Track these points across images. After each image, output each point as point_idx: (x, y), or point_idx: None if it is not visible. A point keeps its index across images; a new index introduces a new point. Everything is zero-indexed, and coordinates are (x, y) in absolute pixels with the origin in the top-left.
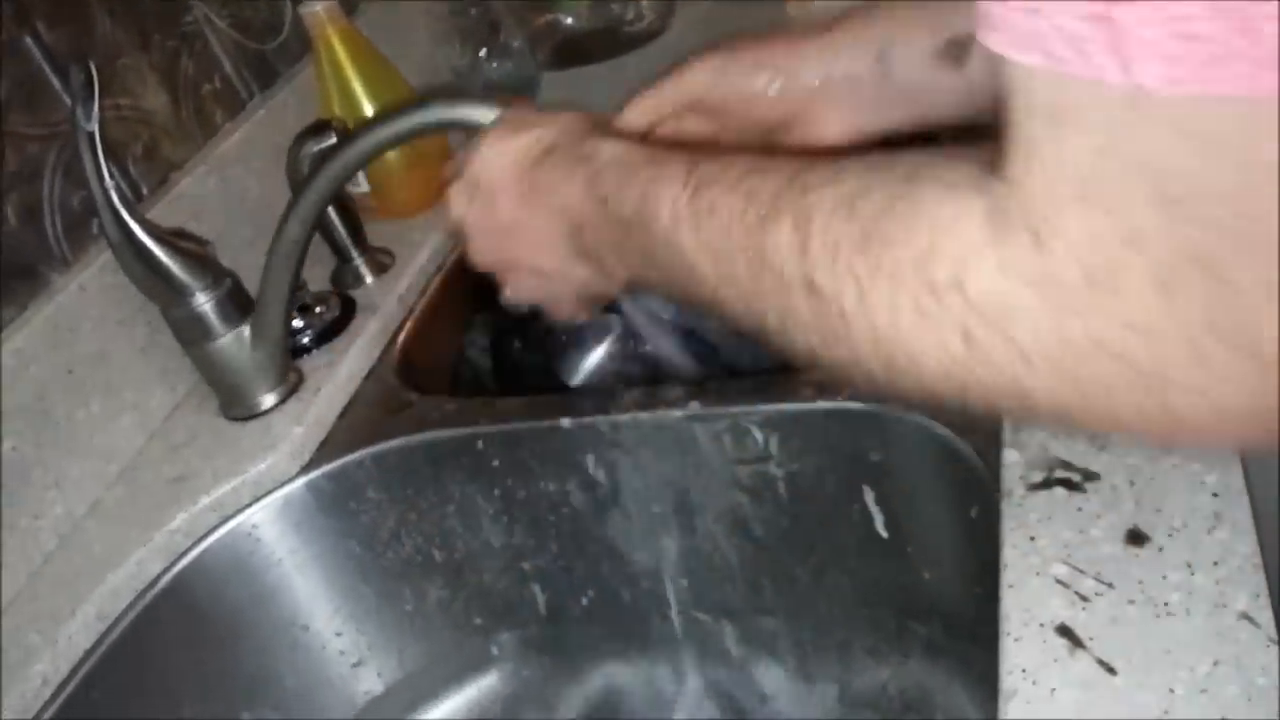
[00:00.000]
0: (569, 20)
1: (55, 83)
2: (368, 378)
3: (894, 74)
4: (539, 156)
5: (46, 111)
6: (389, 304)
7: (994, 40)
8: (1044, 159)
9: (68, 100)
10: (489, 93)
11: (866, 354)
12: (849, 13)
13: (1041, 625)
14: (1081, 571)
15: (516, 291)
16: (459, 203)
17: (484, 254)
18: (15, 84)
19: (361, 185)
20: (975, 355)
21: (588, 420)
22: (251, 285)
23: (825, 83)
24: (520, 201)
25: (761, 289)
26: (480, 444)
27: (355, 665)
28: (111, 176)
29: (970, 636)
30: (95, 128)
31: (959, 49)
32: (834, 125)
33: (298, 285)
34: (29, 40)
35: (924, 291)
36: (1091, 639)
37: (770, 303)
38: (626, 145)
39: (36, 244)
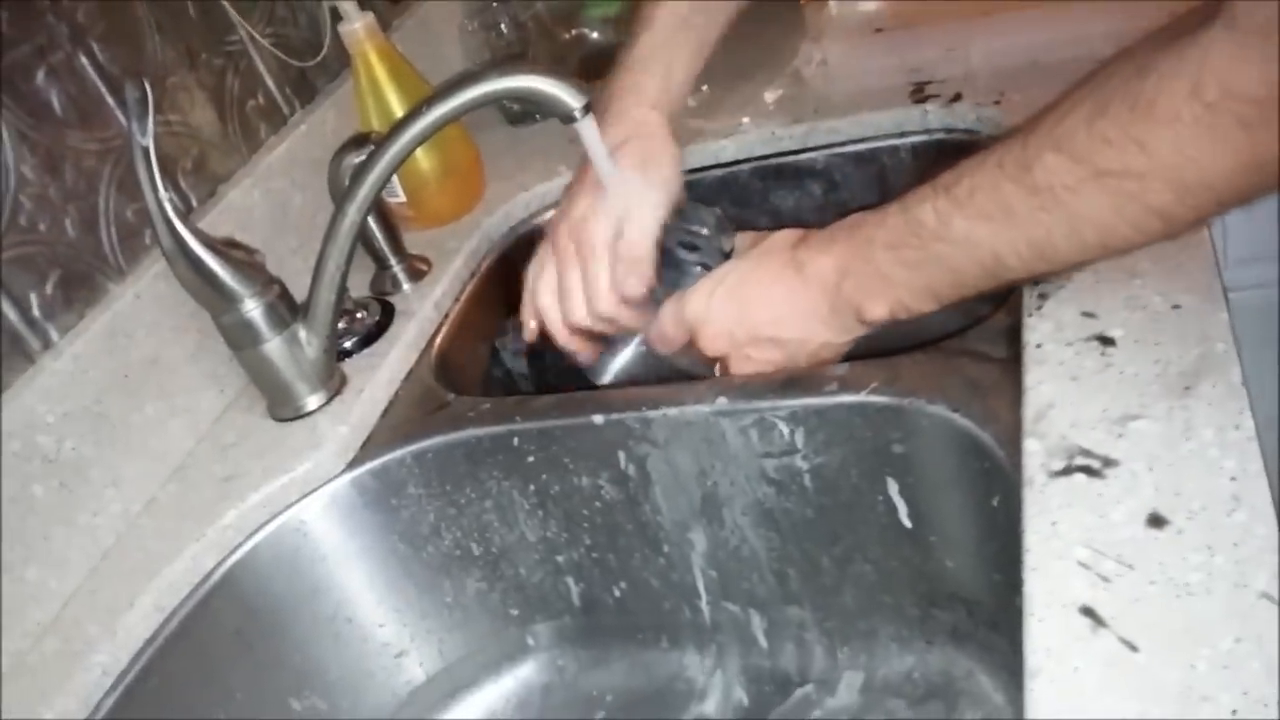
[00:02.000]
0: (595, 34)
1: (109, 100)
2: (407, 379)
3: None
4: (799, 240)
5: (101, 128)
6: (426, 308)
7: None
8: None
9: (121, 117)
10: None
11: (1162, 195)
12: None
13: (1064, 606)
14: (1103, 554)
15: (744, 363)
16: (700, 297)
17: (715, 338)
18: (71, 101)
19: (398, 195)
20: (1255, 136)
21: (618, 416)
22: (296, 291)
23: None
24: (779, 275)
25: (1044, 215)
26: (516, 441)
27: (398, 656)
28: (165, 189)
29: (992, 624)
30: (150, 142)
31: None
32: None
33: (345, 283)
34: (84, 59)
35: (1201, 112)
36: (1114, 618)
37: (1056, 219)
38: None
39: (94, 254)
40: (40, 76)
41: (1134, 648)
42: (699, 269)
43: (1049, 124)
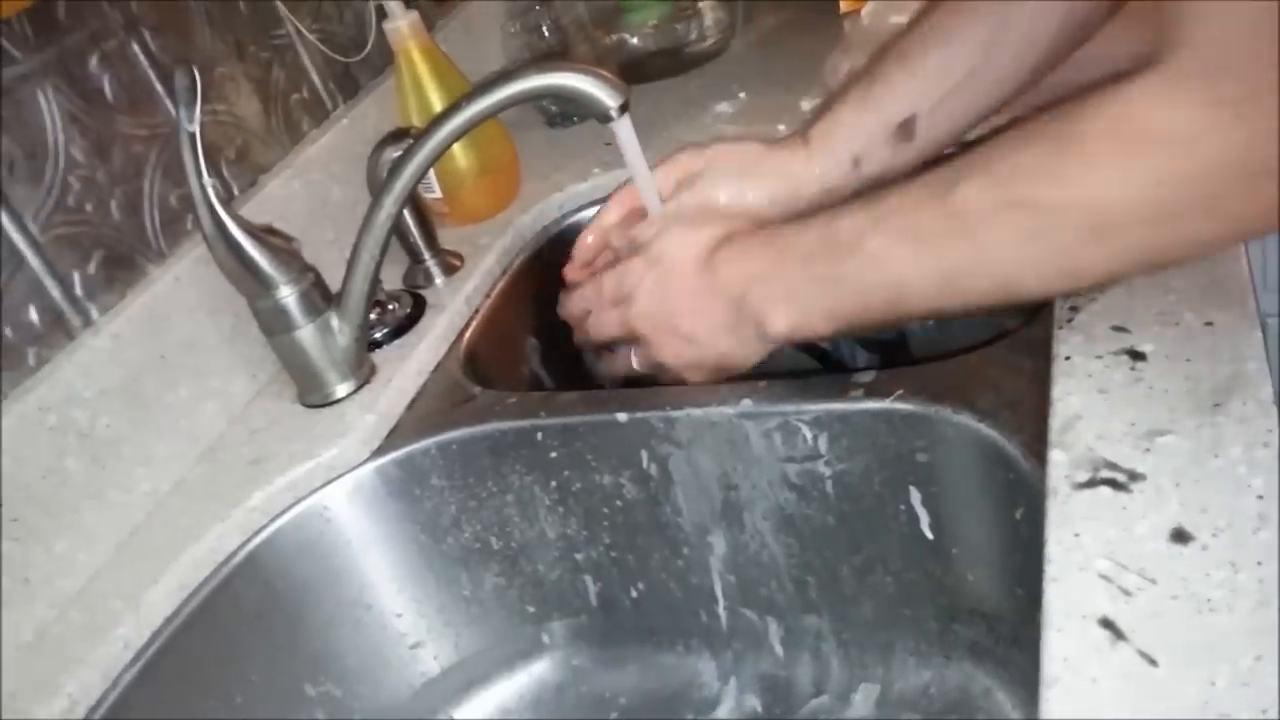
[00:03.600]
0: (635, 40)
1: (159, 88)
2: (435, 371)
3: (864, 173)
4: (720, 242)
5: (150, 114)
6: (457, 303)
7: None
8: (1214, 11)
9: (169, 104)
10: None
11: (1071, 233)
12: (816, 116)
13: (1084, 617)
14: (1125, 567)
15: (654, 355)
16: (636, 270)
17: (642, 318)
18: (122, 88)
19: (434, 191)
20: (1169, 188)
21: (642, 415)
22: (331, 282)
23: (813, 195)
24: (696, 275)
25: (955, 241)
26: (539, 436)
27: (413, 647)
28: (209, 174)
29: (1013, 640)
30: (196, 129)
31: (907, 128)
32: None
33: (379, 275)
34: (136, 47)
35: (1119, 152)
36: (1133, 631)
37: (965, 249)
38: (802, 220)
39: (136, 237)
40: (93, 63)
41: (1153, 662)
42: None
43: (982, 150)
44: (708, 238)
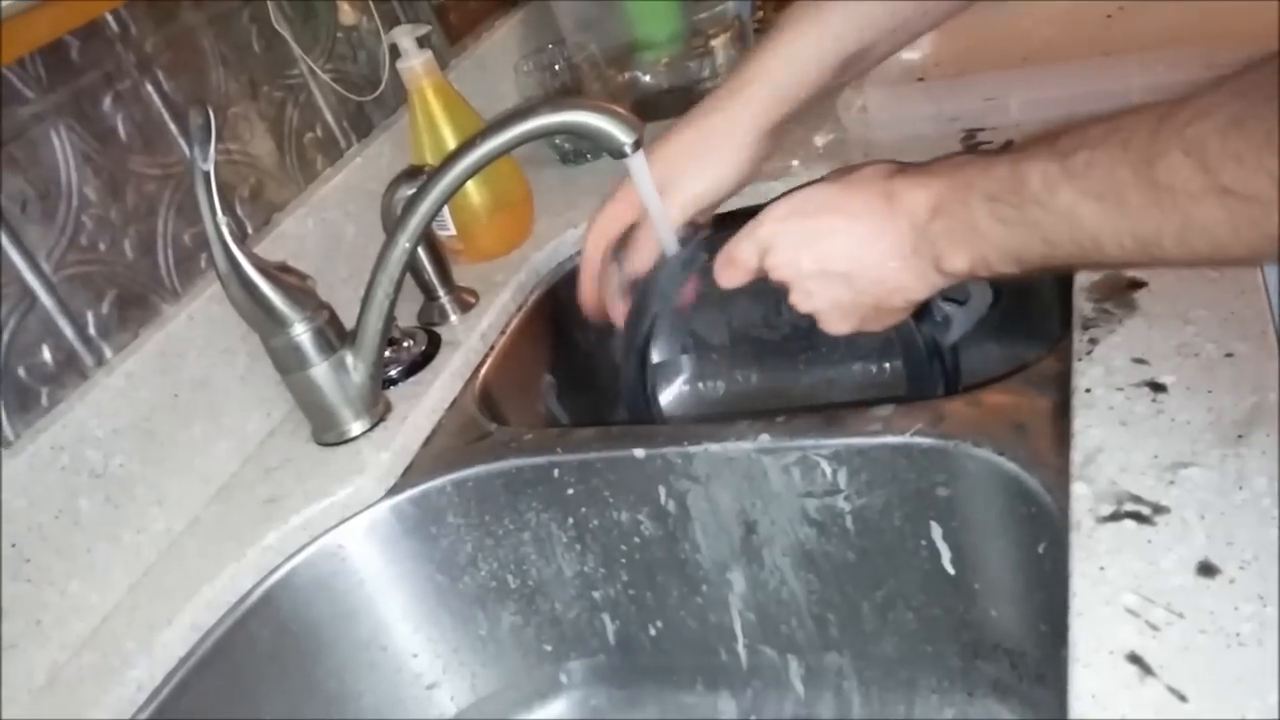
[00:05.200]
0: (647, 78)
1: (172, 127)
2: (450, 408)
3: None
4: (896, 170)
5: (163, 153)
6: (472, 340)
7: None
8: None
9: (183, 143)
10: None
11: None
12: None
13: (1111, 652)
14: (1152, 601)
15: (806, 299)
16: (773, 221)
17: (785, 259)
18: (136, 128)
19: (449, 228)
20: None
21: (660, 451)
22: (345, 320)
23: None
24: (867, 204)
25: (1157, 212)
26: (556, 472)
27: (429, 688)
28: (224, 213)
29: (1037, 677)
30: (210, 167)
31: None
32: None
33: (393, 312)
34: (149, 87)
35: None
36: (1162, 667)
37: (1169, 220)
38: (985, 157)
39: (150, 276)
40: (107, 102)
41: (1183, 698)
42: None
43: (1181, 120)
44: (876, 170)
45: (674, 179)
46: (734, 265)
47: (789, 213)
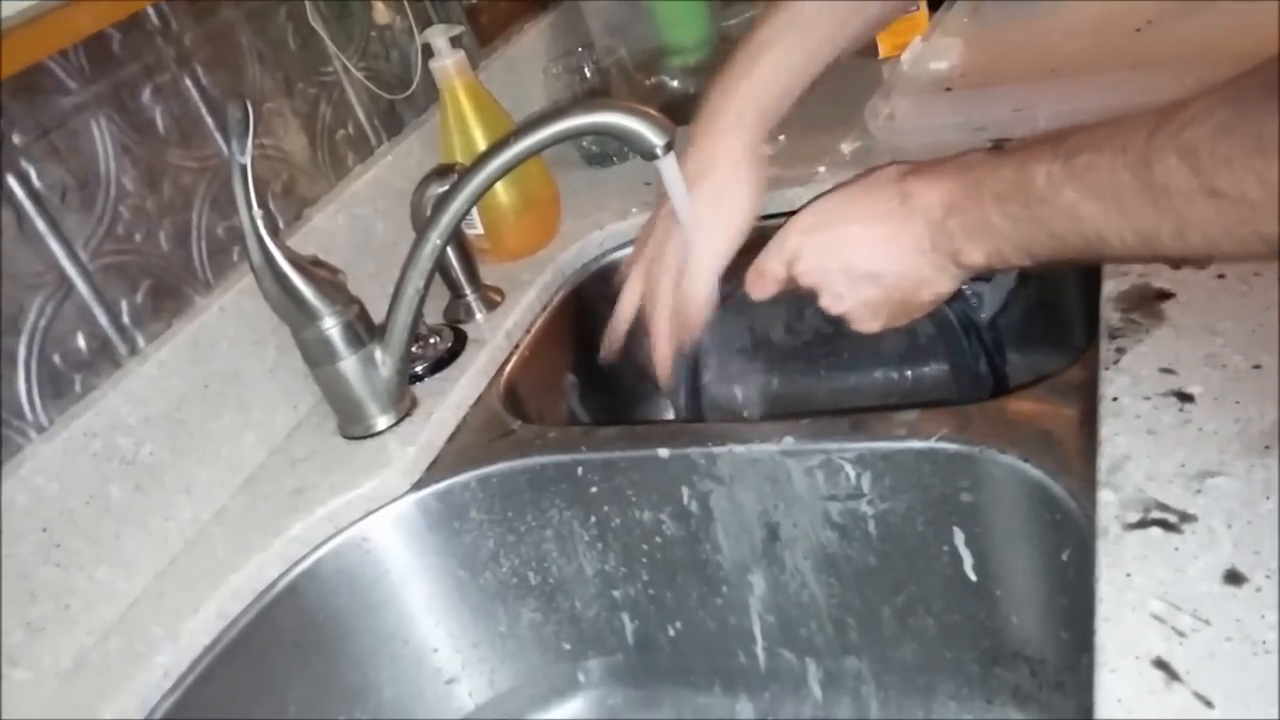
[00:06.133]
0: (675, 83)
1: (209, 121)
2: (475, 405)
3: None
4: (904, 173)
5: (200, 147)
6: (497, 338)
7: None
8: None
9: (219, 137)
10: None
11: (1270, 224)
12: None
13: (1137, 658)
14: (1178, 608)
15: (837, 301)
16: (797, 231)
17: (812, 265)
18: (174, 120)
19: (476, 227)
20: None
21: (684, 451)
22: (374, 316)
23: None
24: (884, 203)
25: (1154, 212)
26: (580, 470)
27: (448, 682)
28: (260, 206)
29: (1056, 684)
30: (248, 160)
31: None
32: None
33: (422, 309)
34: (188, 81)
35: None
36: (1188, 673)
37: (1166, 218)
38: (993, 156)
39: (183, 267)
40: (146, 95)
41: (1209, 703)
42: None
43: (1177, 123)
44: (889, 173)
45: (701, 246)
46: (764, 277)
47: (812, 223)
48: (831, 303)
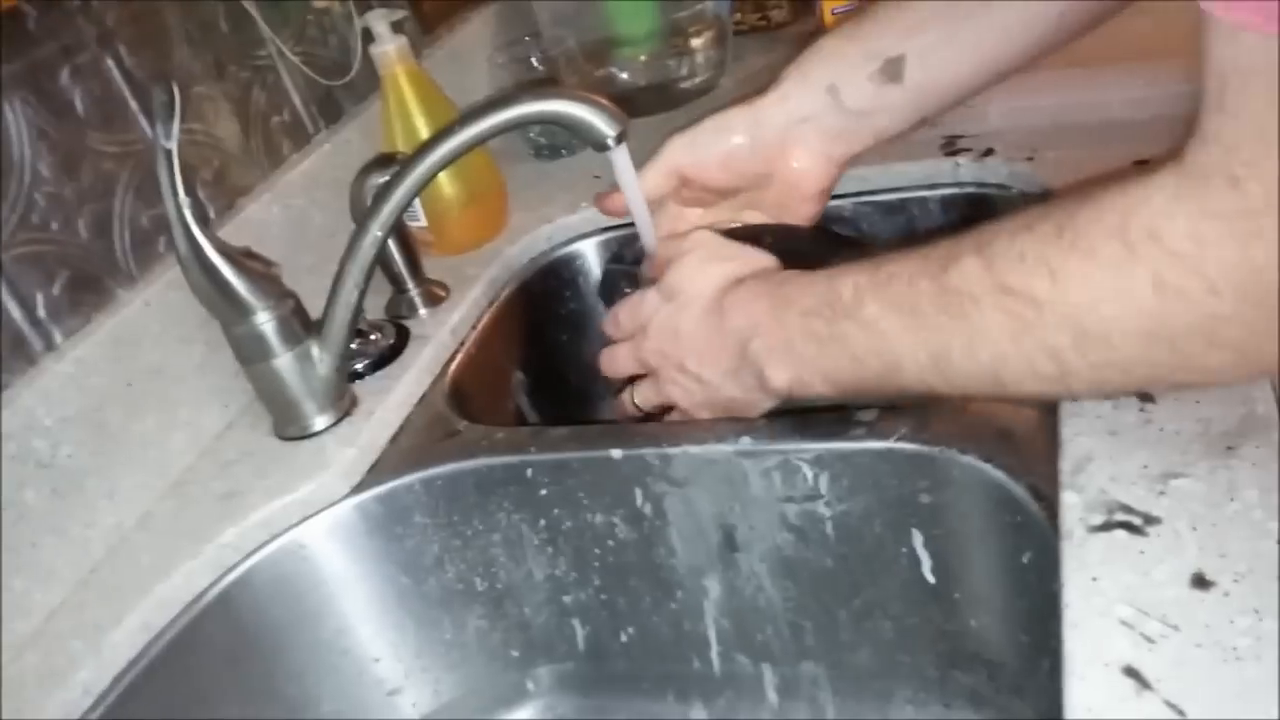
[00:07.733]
0: (625, 75)
1: (133, 104)
2: (419, 404)
3: (845, 103)
4: (733, 284)
5: (122, 131)
6: (442, 334)
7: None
8: (1241, 111)
9: (143, 121)
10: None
11: (1057, 334)
12: (795, 60)
13: (1106, 665)
14: (1146, 614)
15: (658, 393)
16: (650, 302)
17: (652, 351)
18: (94, 103)
19: (419, 220)
20: (1166, 301)
21: (637, 452)
22: (311, 311)
23: (787, 126)
24: (705, 316)
25: (946, 320)
26: (529, 472)
27: (391, 693)
28: (189, 194)
29: (1015, 688)
30: (173, 145)
31: (894, 67)
32: (806, 158)
33: (362, 304)
34: (110, 62)
35: (1119, 252)
36: (1159, 680)
37: (956, 329)
38: (810, 273)
39: (105, 258)
40: (64, 76)
41: (1181, 712)
42: None
43: (989, 227)
44: (720, 277)
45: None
46: (615, 331)
47: (660, 303)
48: (665, 389)
